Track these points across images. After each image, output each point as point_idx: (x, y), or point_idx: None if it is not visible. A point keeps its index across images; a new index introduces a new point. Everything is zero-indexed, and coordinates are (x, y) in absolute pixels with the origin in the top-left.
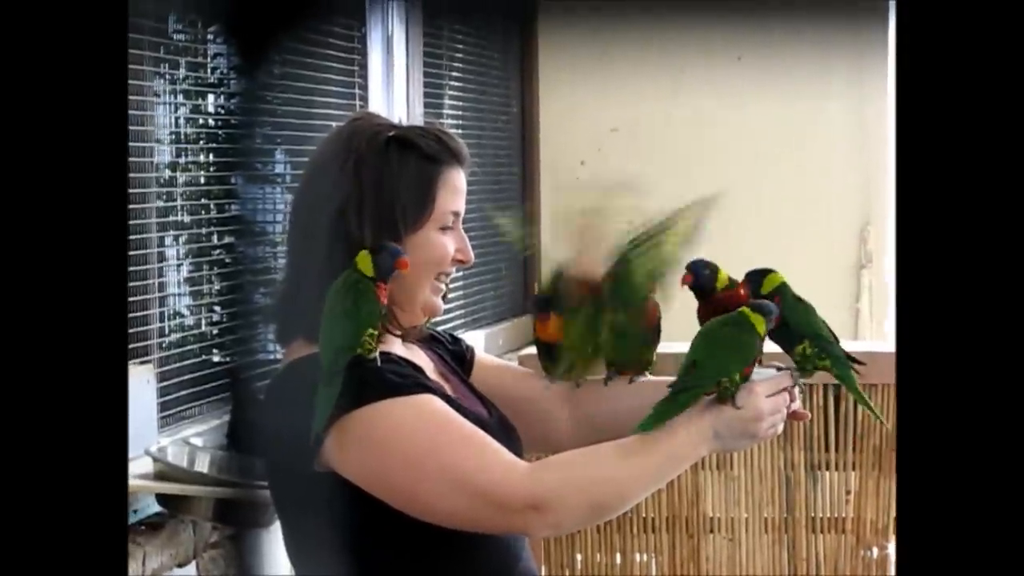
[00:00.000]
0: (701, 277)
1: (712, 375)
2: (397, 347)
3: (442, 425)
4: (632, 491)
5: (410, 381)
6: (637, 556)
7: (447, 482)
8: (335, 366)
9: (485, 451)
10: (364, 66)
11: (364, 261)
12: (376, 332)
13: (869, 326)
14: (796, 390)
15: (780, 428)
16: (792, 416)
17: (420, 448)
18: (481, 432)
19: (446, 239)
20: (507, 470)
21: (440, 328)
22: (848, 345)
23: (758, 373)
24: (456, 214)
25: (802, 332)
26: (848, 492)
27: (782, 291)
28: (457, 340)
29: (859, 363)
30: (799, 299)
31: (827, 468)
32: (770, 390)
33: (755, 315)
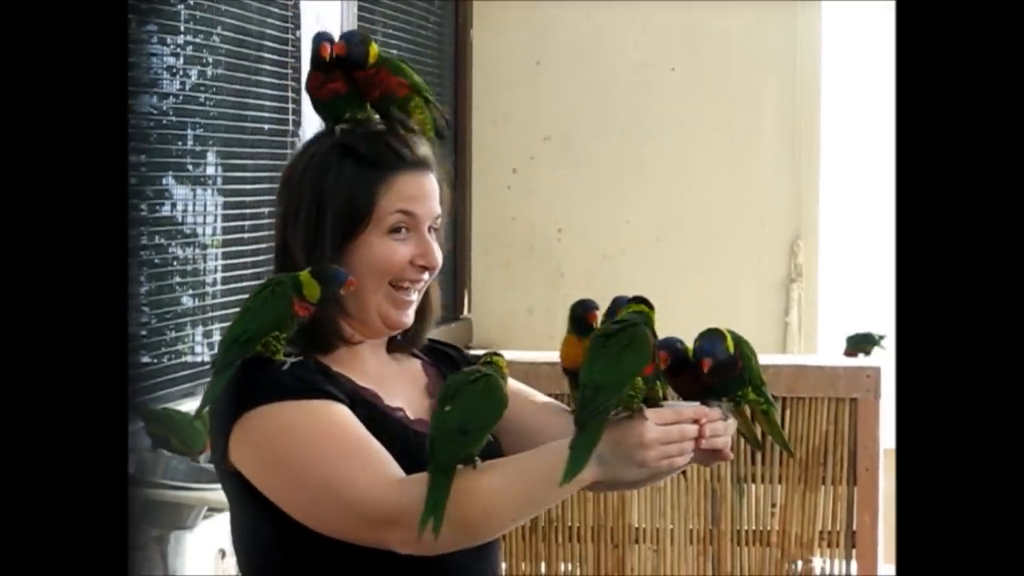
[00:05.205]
0: (677, 353)
1: (614, 391)
2: (370, 361)
3: (329, 433)
4: (498, 509)
5: (309, 386)
6: (562, 566)
7: (318, 490)
8: (228, 356)
9: (361, 462)
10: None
11: (309, 286)
12: (282, 335)
13: (798, 340)
14: (727, 427)
15: (680, 462)
16: (716, 456)
17: (300, 454)
18: (374, 446)
19: (395, 245)
20: (375, 482)
21: None
22: (777, 359)
23: (669, 405)
24: (410, 216)
25: (752, 379)
26: (773, 505)
27: (741, 347)
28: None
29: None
30: (751, 348)
31: (753, 481)
32: (662, 419)
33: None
